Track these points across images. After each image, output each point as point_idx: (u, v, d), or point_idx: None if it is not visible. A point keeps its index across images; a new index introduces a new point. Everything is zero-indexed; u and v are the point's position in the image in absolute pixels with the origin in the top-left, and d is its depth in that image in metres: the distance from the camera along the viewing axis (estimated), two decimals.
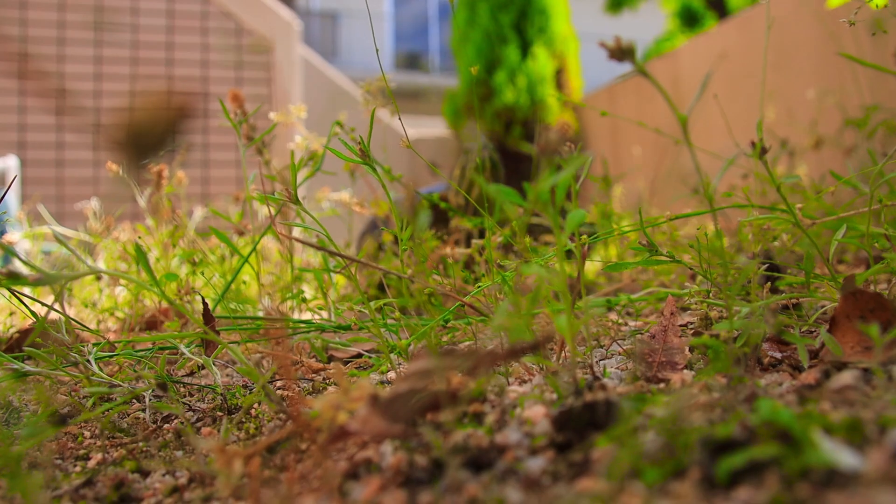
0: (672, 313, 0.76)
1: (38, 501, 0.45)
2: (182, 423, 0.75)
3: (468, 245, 1.34)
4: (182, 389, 0.88)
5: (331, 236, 0.87)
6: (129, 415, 0.80)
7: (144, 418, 0.79)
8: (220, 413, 0.79)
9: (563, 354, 0.69)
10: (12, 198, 3.27)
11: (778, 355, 0.69)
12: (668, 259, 0.78)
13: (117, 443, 0.72)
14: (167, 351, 0.93)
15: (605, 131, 4.52)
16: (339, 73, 5.56)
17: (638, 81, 3.89)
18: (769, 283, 0.83)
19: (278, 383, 0.86)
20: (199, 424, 0.76)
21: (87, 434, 0.75)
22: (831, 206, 1.18)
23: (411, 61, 13.62)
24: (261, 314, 1.12)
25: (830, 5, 1.36)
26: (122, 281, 1.41)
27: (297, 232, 1.47)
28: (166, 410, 0.76)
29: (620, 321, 1.00)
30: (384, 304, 0.91)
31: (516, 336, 0.53)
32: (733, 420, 0.41)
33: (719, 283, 0.84)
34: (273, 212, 1.08)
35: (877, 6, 0.89)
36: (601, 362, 0.75)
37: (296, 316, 1.17)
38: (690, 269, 0.84)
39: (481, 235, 1.34)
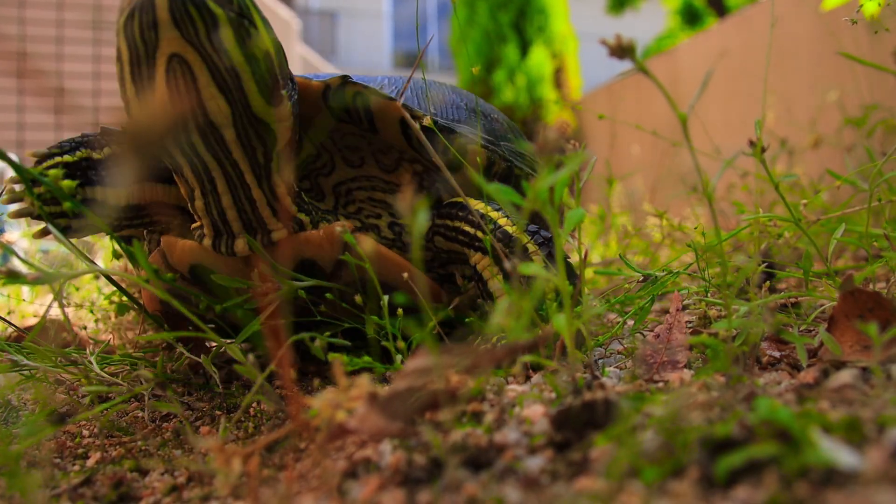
0: (678, 309, 0.76)
1: (36, 500, 0.45)
2: (181, 422, 0.75)
3: None
4: (180, 388, 0.88)
5: None
6: (127, 414, 0.80)
7: (143, 417, 0.79)
8: (218, 412, 0.79)
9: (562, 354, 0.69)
10: None
11: (777, 354, 0.69)
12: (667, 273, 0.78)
13: (116, 442, 0.72)
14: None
15: (604, 130, 4.52)
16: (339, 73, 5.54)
17: (637, 81, 3.89)
18: (768, 283, 0.83)
19: (277, 382, 0.86)
20: (197, 423, 0.76)
21: (86, 433, 0.75)
22: (829, 205, 1.19)
23: (410, 60, 13.61)
24: None
25: (826, 7, 1.36)
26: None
27: None
28: (165, 409, 0.75)
29: (619, 320, 1.00)
30: None
31: (515, 335, 0.53)
32: (732, 419, 0.41)
33: (718, 283, 0.84)
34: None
35: (871, 15, 0.89)
36: (600, 361, 0.75)
37: None
38: (689, 274, 0.84)
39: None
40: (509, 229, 0.81)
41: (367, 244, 0.74)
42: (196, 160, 0.72)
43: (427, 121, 0.85)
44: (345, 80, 0.85)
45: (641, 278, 0.79)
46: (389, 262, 0.84)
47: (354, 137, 0.94)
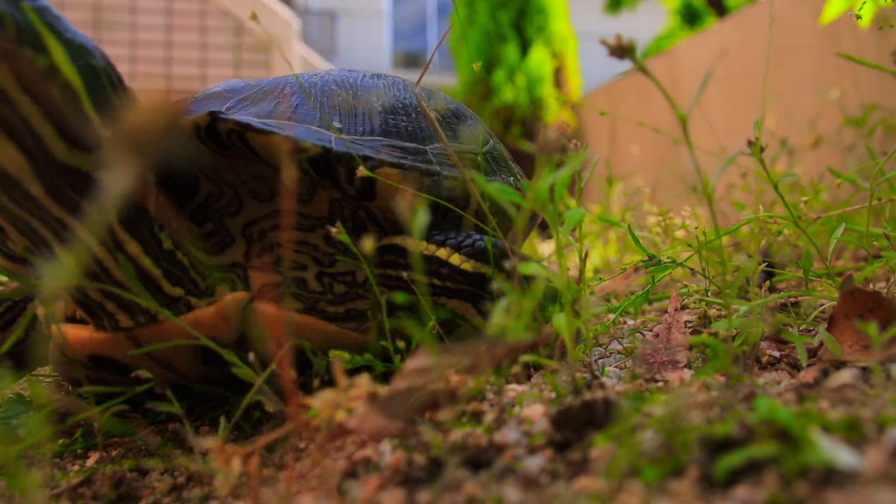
0: (676, 309, 0.76)
1: (36, 500, 0.45)
2: (180, 421, 0.75)
3: None
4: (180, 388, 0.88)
5: None
6: (127, 413, 0.80)
7: (141, 417, 0.79)
8: (218, 412, 0.79)
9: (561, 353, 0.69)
10: None
11: (776, 354, 0.69)
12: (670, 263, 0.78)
13: (116, 442, 0.72)
14: None
15: (604, 130, 4.52)
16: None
17: (637, 81, 3.89)
18: (768, 282, 0.83)
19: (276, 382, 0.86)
20: (197, 423, 0.76)
21: (86, 433, 0.75)
22: (830, 204, 1.19)
23: (410, 60, 13.62)
24: None
25: (823, 22, 1.37)
26: None
27: None
28: (165, 409, 0.75)
29: (619, 319, 1.00)
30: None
31: (515, 335, 0.53)
32: (732, 419, 0.41)
33: (718, 282, 0.84)
34: None
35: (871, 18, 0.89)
36: (600, 361, 0.75)
37: None
38: (691, 270, 0.84)
39: None
40: (467, 266, 0.70)
41: (269, 311, 0.65)
42: (14, 219, 0.58)
43: (313, 150, 0.69)
44: (213, 116, 0.68)
45: (646, 257, 0.78)
46: (301, 327, 0.72)
47: (258, 166, 0.76)
